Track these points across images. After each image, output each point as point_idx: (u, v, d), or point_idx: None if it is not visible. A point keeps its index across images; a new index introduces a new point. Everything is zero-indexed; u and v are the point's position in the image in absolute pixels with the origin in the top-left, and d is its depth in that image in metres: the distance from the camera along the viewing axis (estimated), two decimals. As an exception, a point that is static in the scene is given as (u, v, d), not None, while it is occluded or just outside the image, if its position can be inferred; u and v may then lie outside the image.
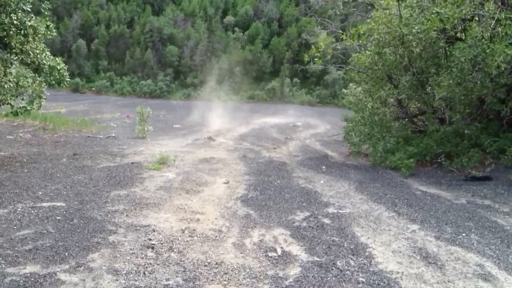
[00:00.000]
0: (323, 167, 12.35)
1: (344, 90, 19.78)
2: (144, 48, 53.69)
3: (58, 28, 48.04)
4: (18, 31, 9.26)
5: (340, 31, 14.58)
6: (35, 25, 9.51)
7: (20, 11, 9.07)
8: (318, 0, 22.20)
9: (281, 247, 5.77)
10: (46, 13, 10.23)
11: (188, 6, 58.63)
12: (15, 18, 8.97)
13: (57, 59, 10.53)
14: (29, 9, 9.23)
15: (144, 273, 4.76)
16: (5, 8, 8.74)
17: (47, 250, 5.14)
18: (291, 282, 4.77)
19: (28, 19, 9.42)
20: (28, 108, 10.08)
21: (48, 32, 10.16)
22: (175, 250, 5.44)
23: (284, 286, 4.68)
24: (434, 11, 10.09)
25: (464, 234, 6.58)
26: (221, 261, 5.20)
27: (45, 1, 10.41)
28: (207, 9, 57.59)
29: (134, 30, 55.32)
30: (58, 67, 10.35)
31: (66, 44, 53.36)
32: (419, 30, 10.34)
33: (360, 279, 4.92)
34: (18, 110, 10.07)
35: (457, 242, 6.21)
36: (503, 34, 8.20)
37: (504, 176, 9.81)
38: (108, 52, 55.39)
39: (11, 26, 9.03)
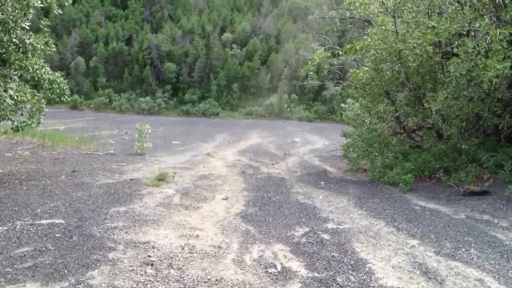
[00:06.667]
0: (322, 182, 12.36)
1: (342, 105, 19.85)
2: (143, 65, 53.90)
3: (57, 46, 48.24)
4: (17, 49, 9.34)
5: (337, 47, 14.71)
6: (34, 42, 9.60)
7: (19, 29, 9.16)
8: (315, 17, 22.42)
9: (281, 263, 5.76)
10: (45, 29, 10.33)
11: (186, 23, 59.05)
12: (14, 36, 9.05)
13: (56, 73, 10.59)
14: (27, 27, 9.32)
15: (143, 290, 4.75)
16: (4, 26, 8.82)
17: (47, 268, 5.13)
18: (291, 298, 4.76)
19: (28, 36, 9.51)
20: (29, 122, 10.10)
21: (48, 48, 10.24)
22: (174, 267, 5.43)
23: (284, 302, 4.67)
24: (429, 25, 10.23)
25: (463, 249, 6.58)
26: (221, 277, 5.18)
27: (44, 18, 10.52)
28: (205, 27, 58.00)
29: (133, 48, 55.61)
30: (58, 80, 10.41)
31: (64, 62, 53.57)
32: (415, 45, 10.46)
33: (361, 294, 4.90)
34: (19, 126, 10.09)
35: (457, 257, 6.21)
36: (496, 49, 8.28)
37: (502, 191, 9.82)
38: (107, 69, 55.58)
39: (10, 43, 9.11)
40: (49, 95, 10.43)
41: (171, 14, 63.17)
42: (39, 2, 9.47)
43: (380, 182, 12.24)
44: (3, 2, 8.82)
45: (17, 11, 8.99)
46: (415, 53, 11.09)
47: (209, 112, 48.44)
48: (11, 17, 8.90)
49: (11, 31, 8.98)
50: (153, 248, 6.07)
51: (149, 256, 5.72)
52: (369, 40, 11.45)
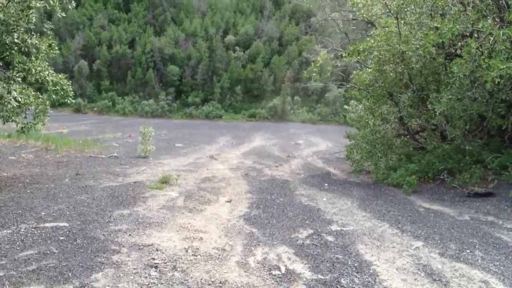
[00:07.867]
0: (326, 184, 12.35)
1: (345, 107, 19.85)
2: (146, 68, 54.02)
3: (60, 49, 48.45)
4: (20, 50, 9.37)
5: (340, 49, 14.69)
6: (35, 42, 9.62)
7: (22, 30, 9.20)
8: (318, 19, 22.43)
9: (285, 265, 5.75)
10: (48, 32, 10.36)
11: (189, 26, 59.18)
12: (16, 36, 9.08)
13: (59, 75, 10.61)
14: (31, 26, 9.35)
15: (148, 292, 4.74)
16: (7, 27, 8.85)
17: (51, 271, 5.13)
18: (295, 300, 4.74)
19: (29, 37, 9.53)
20: (34, 122, 10.13)
21: (51, 51, 10.27)
22: (178, 269, 5.42)
23: (288, 305, 4.66)
24: (432, 27, 10.22)
25: (468, 251, 6.55)
26: (225, 280, 5.18)
27: (48, 22, 10.55)
28: (208, 29, 58.12)
29: (136, 51, 55.71)
30: (62, 82, 10.44)
31: (68, 65, 53.70)
32: (418, 46, 10.45)
33: (365, 297, 4.89)
34: (25, 127, 10.12)
35: (462, 259, 6.18)
36: (499, 49, 8.27)
37: (507, 192, 9.77)
38: (110, 73, 55.71)
39: (13, 45, 9.13)
40: (53, 96, 10.46)
41: (174, 17, 63.31)
42: (41, 2, 9.48)
43: (383, 184, 12.21)
44: (5, 4, 8.85)
45: (18, 12, 9.02)
46: (418, 54, 11.07)
47: (212, 115, 48.49)
48: (12, 18, 8.94)
49: (13, 32, 9.00)
50: (157, 250, 6.07)
51: (153, 259, 5.72)
52: (372, 41, 11.43)
